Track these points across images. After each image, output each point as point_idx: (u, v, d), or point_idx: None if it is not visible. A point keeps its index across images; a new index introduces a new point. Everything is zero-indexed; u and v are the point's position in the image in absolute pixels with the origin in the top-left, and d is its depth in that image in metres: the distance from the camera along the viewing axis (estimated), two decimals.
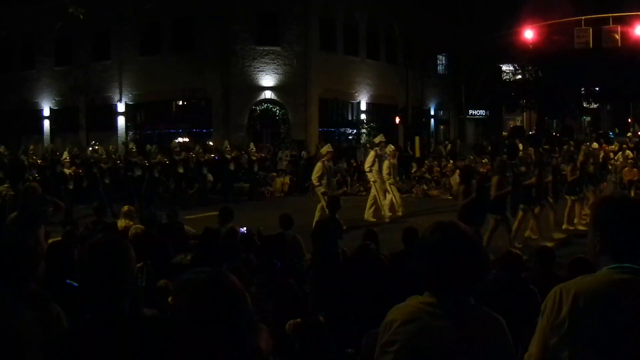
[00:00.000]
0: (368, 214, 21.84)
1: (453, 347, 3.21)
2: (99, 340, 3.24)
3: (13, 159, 27.78)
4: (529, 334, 3.50)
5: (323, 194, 19.95)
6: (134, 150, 27.97)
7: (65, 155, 26.26)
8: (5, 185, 10.11)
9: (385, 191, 22.19)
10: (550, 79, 51.81)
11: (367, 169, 22.76)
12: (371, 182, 22.63)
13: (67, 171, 24.34)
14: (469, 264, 3.28)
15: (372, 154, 22.72)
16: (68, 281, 6.51)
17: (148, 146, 31.38)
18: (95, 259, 3.41)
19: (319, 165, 20.66)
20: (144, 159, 26.60)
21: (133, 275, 3.53)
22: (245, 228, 12.11)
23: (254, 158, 29.99)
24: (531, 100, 58.01)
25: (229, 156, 29.20)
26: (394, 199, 22.38)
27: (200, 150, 29.75)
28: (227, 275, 2.97)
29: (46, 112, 46.60)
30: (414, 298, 3.39)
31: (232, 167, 28.88)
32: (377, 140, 23.56)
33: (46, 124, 46.53)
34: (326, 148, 21.58)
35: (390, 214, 22.04)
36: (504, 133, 53.91)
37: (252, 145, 30.79)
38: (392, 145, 24.33)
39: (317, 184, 20.41)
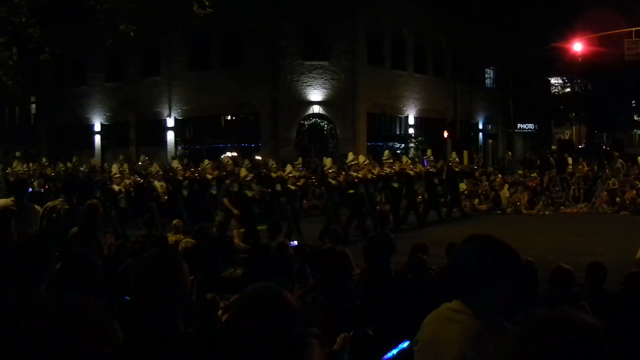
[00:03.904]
0: None
1: (459, 350, 3.26)
2: (151, 355, 3.29)
3: (68, 174, 28.08)
4: None
5: None
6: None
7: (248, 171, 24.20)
8: (60, 199, 10.26)
9: None
10: (600, 92, 51.13)
11: None
12: None
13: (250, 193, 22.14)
14: (495, 275, 3.33)
15: None
16: (127, 298, 6.58)
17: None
18: (148, 273, 3.45)
19: None
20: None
21: (186, 289, 3.56)
22: (296, 242, 12.16)
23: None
24: (580, 114, 57.24)
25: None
26: None
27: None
28: (283, 292, 3.00)
29: (97, 127, 47.24)
30: (445, 304, 3.47)
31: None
32: None
33: (97, 139, 47.17)
34: None
35: None
36: (553, 147, 53.31)
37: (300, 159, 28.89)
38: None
39: None
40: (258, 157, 34.34)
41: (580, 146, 57.01)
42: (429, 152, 27.72)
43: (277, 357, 2.87)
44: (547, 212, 27.53)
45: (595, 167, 32.34)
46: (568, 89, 56.83)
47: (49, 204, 10.33)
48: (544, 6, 42.54)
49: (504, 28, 43.67)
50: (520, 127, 53.90)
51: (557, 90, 57.29)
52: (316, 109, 39.10)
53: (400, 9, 41.93)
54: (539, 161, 36.15)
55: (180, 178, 24.04)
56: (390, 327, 8.10)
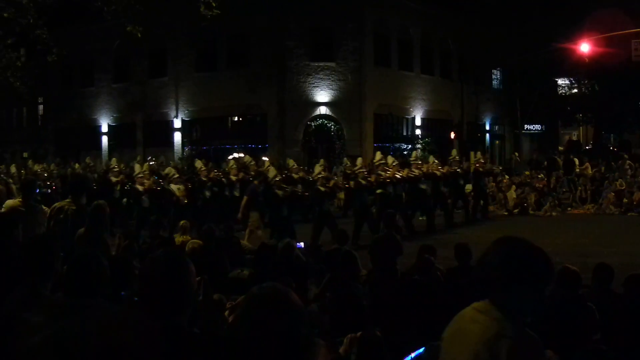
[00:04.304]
0: None
1: (474, 351, 3.24)
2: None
3: (75, 173, 28.01)
4: (582, 352, 3.47)
5: None
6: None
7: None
8: (67, 200, 10.26)
9: None
10: (607, 93, 51.04)
11: None
12: None
13: (281, 193, 20.27)
14: (521, 279, 3.28)
15: None
16: (123, 293, 6.63)
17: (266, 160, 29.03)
18: (155, 273, 3.47)
19: None
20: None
21: (193, 290, 3.58)
22: (302, 243, 12.17)
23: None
24: (587, 115, 57.18)
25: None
26: None
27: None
28: (289, 292, 3.02)
29: (104, 128, 47.36)
30: (473, 303, 3.44)
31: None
32: None
33: (104, 139, 47.27)
34: None
35: None
36: (560, 148, 53.23)
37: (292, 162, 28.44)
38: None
39: None
40: (265, 159, 34.37)
41: (587, 147, 56.90)
42: (454, 152, 27.28)
43: (283, 357, 2.89)
44: (554, 213, 27.48)
45: (603, 169, 32.27)
46: (575, 90, 56.69)
47: (57, 204, 10.33)
48: (550, 7, 42.52)
49: (510, 29, 43.66)
50: (527, 128, 53.85)
51: (564, 91, 57.18)
52: (323, 110, 39.12)
53: (407, 10, 41.97)
54: (546, 162, 36.12)
55: (205, 179, 23.67)
56: (397, 329, 8.11)
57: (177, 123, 43.41)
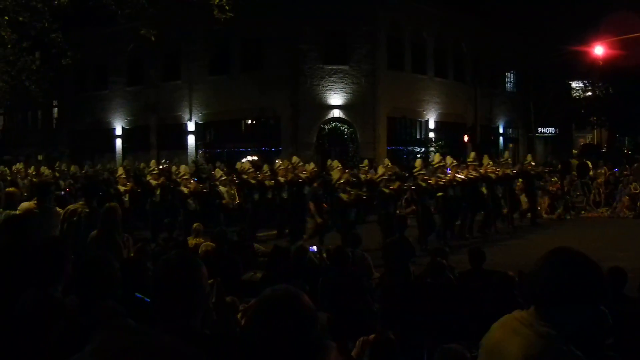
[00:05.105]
0: None
1: None
2: None
3: (88, 176, 28.04)
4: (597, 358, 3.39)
5: None
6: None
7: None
8: (80, 202, 10.32)
9: None
10: (621, 95, 50.88)
11: None
12: None
13: (346, 197, 19.72)
14: (570, 295, 3.18)
15: None
16: (138, 295, 6.64)
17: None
18: (167, 275, 3.47)
19: None
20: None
21: (204, 292, 3.58)
22: (315, 247, 12.17)
23: None
24: (602, 118, 56.98)
25: None
26: None
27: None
28: (300, 294, 3.02)
29: (118, 131, 47.53)
30: (516, 312, 3.34)
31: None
32: None
33: (118, 142, 47.46)
34: None
35: None
36: (574, 151, 53.01)
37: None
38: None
39: None
40: (278, 161, 34.34)
41: (601, 150, 56.66)
42: (506, 154, 26.82)
43: (294, 359, 2.90)
44: (567, 217, 27.36)
45: (617, 172, 32.09)
46: (589, 93, 56.52)
47: (70, 207, 10.39)
48: (564, 9, 42.37)
49: (524, 32, 43.56)
50: (541, 131, 53.66)
51: (578, 94, 56.99)
52: (336, 113, 39.09)
53: (421, 13, 41.89)
54: (559, 165, 35.99)
55: (253, 182, 22.73)
56: (409, 331, 8.11)
57: (191, 126, 43.51)
